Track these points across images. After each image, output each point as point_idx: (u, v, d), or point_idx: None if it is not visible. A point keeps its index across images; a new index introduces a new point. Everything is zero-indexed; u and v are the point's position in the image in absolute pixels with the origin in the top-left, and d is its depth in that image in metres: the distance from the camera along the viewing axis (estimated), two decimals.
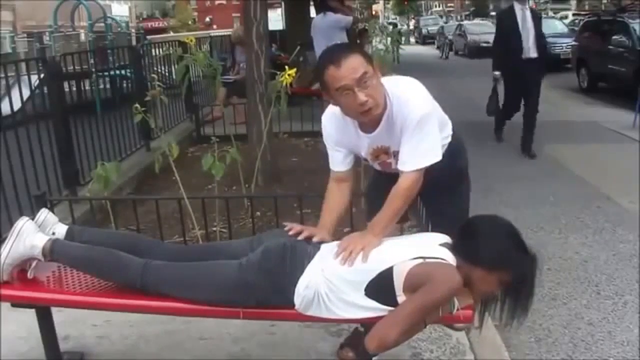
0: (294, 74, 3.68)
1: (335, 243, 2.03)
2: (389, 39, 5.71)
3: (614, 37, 10.51)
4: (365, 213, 2.53)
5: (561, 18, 24.52)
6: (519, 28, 6.07)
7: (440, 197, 2.20)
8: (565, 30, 17.35)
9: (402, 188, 2.02)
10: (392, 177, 2.16)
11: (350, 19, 7.22)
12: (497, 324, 2.43)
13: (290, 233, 2.04)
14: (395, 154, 2.10)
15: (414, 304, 1.73)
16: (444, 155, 2.04)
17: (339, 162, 2.19)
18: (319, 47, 7.02)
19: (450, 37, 25.19)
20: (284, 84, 3.69)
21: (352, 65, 1.87)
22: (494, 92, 6.75)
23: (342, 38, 6.83)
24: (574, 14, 29.09)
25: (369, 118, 1.97)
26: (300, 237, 2.03)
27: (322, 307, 1.87)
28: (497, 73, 6.52)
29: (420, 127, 1.96)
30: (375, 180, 2.49)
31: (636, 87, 7.83)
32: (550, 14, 32.65)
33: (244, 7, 4.97)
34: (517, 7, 6.16)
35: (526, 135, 6.39)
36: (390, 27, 16.62)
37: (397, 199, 2.03)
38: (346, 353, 2.36)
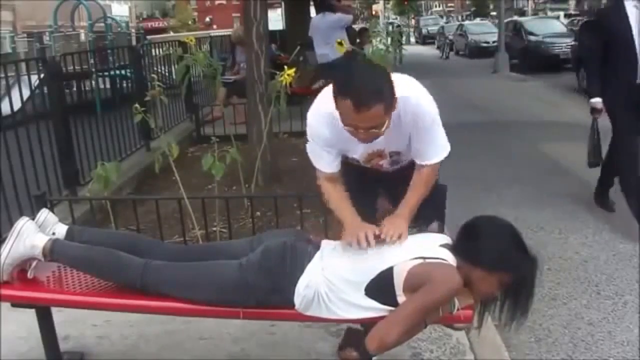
0: (293, 74, 3.68)
1: (336, 242, 2.03)
2: (389, 38, 5.64)
3: None
4: None
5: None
6: (633, 36, 3.95)
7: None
8: (565, 30, 17.38)
9: (427, 175, 2.12)
10: (376, 173, 2.18)
11: (350, 17, 7.21)
12: (497, 324, 2.43)
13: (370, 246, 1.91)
14: (392, 155, 2.13)
15: (414, 304, 1.74)
16: None
17: (328, 163, 2.12)
18: (319, 47, 7.03)
19: (450, 37, 25.22)
20: (284, 83, 3.68)
21: (371, 118, 1.78)
22: (593, 131, 4.44)
23: (342, 37, 6.84)
24: (565, 15, 28.82)
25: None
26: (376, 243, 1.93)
27: (322, 307, 1.87)
28: (597, 101, 4.14)
29: (435, 124, 2.04)
30: (354, 177, 2.42)
31: None
32: (549, 13, 32.56)
33: (244, 7, 4.97)
34: (629, 5, 4.04)
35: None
36: (391, 27, 16.60)
37: (422, 186, 2.12)
38: (349, 353, 2.36)
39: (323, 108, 2.02)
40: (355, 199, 2.15)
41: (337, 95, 1.82)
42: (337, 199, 2.13)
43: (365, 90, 1.76)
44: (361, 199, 2.19)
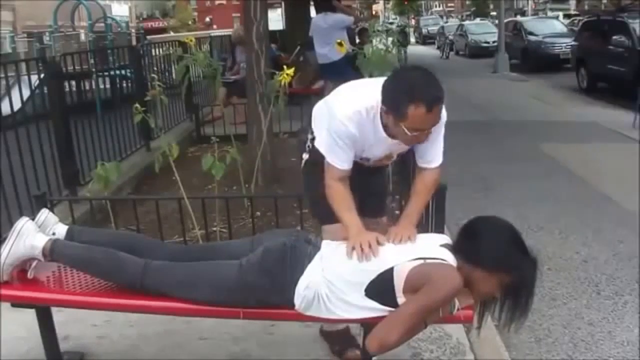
0: (292, 74, 3.67)
1: (337, 243, 2.02)
2: (390, 39, 5.60)
3: (614, 37, 10.52)
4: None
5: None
6: None
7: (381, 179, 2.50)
8: (565, 30, 17.39)
9: (435, 180, 2.19)
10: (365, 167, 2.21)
11: (351, 19, 7.22)
12: (497, 324, 2.44)
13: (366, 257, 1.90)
14: (399, 155, 2.18)
15: (415, 304, 1.74)
16: None
17: (347, 160, 2.09)
18: (320, 46, 7.03)
19: (450, 37, 25.22)
20: (283, 83, 3.68)
21: (437, 115, 1.89)
22: None
23: (342, 37, 6.84)
24: (564, 15, 28.71)
25: None
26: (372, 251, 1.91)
27: (322, 307, 1.87)
28: None
29: (442, 127, 2.07)
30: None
31: (636, 87, 7.83)
32: (549, 13, 32.43)
33: (244, 7, 4.96)
34: None
35: None
36: (393, 27, 16.53)
37: (430, 190, 2.22)
38: (352, 353, 2.37)
39: (354, 106, 2.01)
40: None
41: (408, 104, 1.83)
42: (344, 200, 2.10)
43: (433, 92, 1.86)
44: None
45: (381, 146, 2.08)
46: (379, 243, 1.91)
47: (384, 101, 1.92)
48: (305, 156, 2.27)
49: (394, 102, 1.88)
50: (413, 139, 1.95)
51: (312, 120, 2.25)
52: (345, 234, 2.00)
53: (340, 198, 2.09)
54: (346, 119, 2.00)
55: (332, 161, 2.09)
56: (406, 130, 1.88)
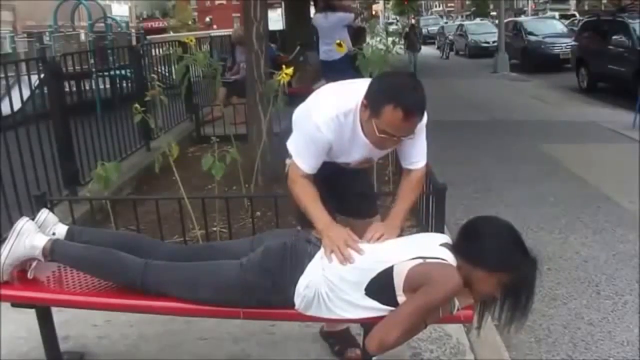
0: (291, 73, 3.67)
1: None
2: (390, 39, 5.55)
3: (614, 37, 10.53)
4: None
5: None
6: None
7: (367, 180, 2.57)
8: (565, 30, 17.41)
9: (418, 181, 2.20)
10: (340, 170, 2.19)
11: (352, 16, 7.25)
12: (497, 324, 2.44)
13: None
14: (380, 159, 2.14)
15: (414, 304, 1.74)
16: None
17: (314, 166, 2.08)
18: (322, 44, 7.09)
19: (450, 37, 25.21)
20: (282, 82, 3.68)
21: (413, 126, 1.89)
22: None
23: (344, 36, 6.86)
24: (561, 16, 28.59)
25: None
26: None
27: (322, 307, 1.87)
28: None
29: (424, 128, 2.06)
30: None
31: (636, 87, 7.83)
32: (549, 14, 32.33)
33: (244, 7, 4.96)
34: None
35: None
36: (397, 26, 16.36)
37: (416, 190, 2.23)
38: (352, 353, 2.37)
39: (332, 112, 1.99)
40: (326, 189, 2.15)
41: (387, 103, 1.82)
42: (309, 193, 2.08)
43: (415, 101, 1.85)
44: (331, 189, 2.20)
45: (360, 150, 2.05)
46: (351, 244, 1.92)
47: (366, 94, 1.91)
48: (289, 161, 2.24)
49: (375, 97, 1.87)
50: (380, 141, 1.93)
51: (293, 124, 2.19)
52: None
53: (305, 191, 2.08)
54: (323, 125, 1.98)
55: (297, 162, 2.08)
56: (376, 129, 1.87)
